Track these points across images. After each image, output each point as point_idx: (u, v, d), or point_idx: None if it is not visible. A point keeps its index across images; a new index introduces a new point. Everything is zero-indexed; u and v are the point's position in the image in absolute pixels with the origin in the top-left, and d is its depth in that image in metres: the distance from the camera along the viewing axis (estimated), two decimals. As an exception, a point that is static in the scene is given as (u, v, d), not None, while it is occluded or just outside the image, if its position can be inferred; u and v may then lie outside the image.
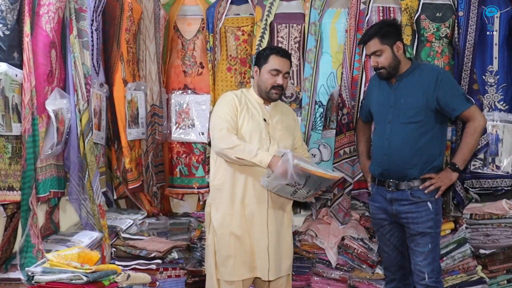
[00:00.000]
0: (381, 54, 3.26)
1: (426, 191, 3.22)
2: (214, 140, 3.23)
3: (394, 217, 3.33)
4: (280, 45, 4.08)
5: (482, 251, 3.80)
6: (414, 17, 3.93)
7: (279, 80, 3.26)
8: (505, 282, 3.77)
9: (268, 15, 4.13)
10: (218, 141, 3.17)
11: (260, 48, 3.93)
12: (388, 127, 3.30)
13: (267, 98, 3.32)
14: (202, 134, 4.28)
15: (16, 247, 3.14)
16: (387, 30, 3.30)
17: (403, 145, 3.24)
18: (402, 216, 3.28)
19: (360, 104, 3.88)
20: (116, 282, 2.88)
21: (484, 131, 3.73)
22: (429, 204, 3.23)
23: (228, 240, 3.24)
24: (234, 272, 3.24)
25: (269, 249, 3.22)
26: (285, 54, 3.33)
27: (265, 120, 3.29)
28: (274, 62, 3.27)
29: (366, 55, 3.47)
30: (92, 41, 3.43)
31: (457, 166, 3.24)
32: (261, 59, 3.33)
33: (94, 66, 3.47)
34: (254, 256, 3.25)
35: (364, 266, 3.86)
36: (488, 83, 3.89)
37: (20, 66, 2.95)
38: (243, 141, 3.17)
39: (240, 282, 3.26)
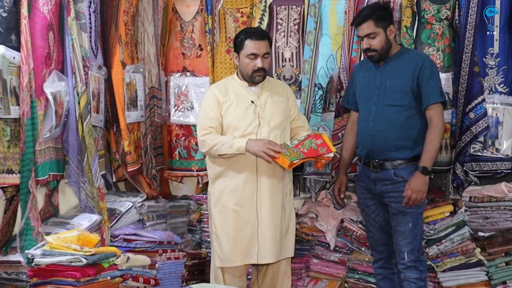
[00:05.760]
0: (375, 37, 3.27)
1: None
2: (198, 142, 3.36)
3: (378, 197, 3.37)
4: (279, 27, 4.04)
5: (481, 233, 3.80)
6: (415, -2, 3.90)
7: (259, 63, 3.26)
8: (504, 264, 3.77)
9: (267, -3, 4.09)
10: (200, 144, 3.32)
11: (260, 30, 3.90)
12: (374, 108, 3.33)
13: (252, 82, 3.34)
14: (201, 116, 4.26)
15: (16, 230, 3.15)
16: (382, 13, 3.31)
17: (388, 127, 3.27)
18: (385, 196, 3.32)
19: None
20: (115, 264, 2.90)
21: (485, 113, 3.76)
22: None
23: (224, 224, 3.31)
24: (229, 258, 3.30)
25: (259, 232, 3.26)
26: (260, 36, 3.30)
27: (252, 102, 3.30)
28: (249, 46, 3.26)
29: (358, 36, 3.43)
30: (90, 23, 3.40)
31: (428, 169, 3.23)
32: (237, 45, 3.32)
33: (92, 48, 3.45)
34: (245, 241, 3.29)
35: (363, 249, 3.88)
36: (489, 66, 3.86)
37: (17, 48, 2.94)
38: (231, 128, 3.26)
39: (237, 267, 3.33)
